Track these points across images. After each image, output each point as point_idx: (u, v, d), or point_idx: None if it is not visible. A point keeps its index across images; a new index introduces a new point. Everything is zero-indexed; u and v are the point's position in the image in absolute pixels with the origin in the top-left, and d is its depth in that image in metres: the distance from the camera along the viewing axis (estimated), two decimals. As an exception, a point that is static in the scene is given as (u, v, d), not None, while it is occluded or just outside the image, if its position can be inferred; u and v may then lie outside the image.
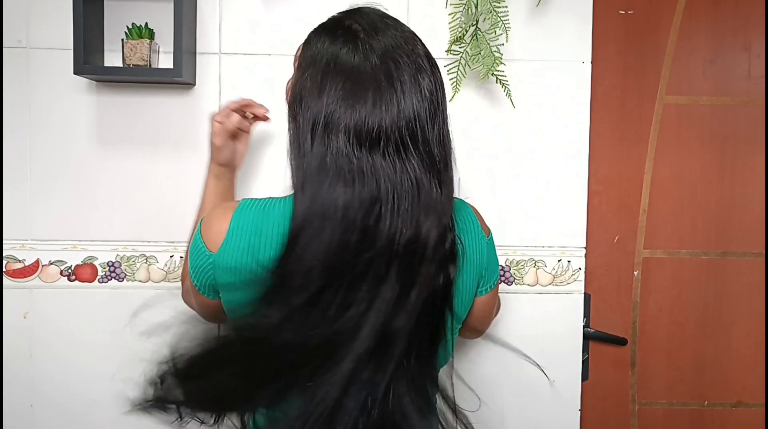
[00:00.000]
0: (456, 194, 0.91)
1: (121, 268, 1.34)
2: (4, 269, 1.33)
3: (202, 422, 0.83)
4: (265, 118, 1.16)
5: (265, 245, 0.83)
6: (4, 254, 1.33)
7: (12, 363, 1.33)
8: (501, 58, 1.25)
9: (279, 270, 0.80)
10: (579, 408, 1.40)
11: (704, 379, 1.46)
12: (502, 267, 1.38)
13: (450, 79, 1.29)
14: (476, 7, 1.22)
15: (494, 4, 1.22)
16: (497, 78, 1.27)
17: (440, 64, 1.30)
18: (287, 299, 0.78)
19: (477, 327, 1.04)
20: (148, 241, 1.34)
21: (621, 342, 1.44)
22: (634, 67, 1.41)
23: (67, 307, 1.34)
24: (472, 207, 0.97)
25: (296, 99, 0.82)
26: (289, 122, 0.84)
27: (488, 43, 1.25)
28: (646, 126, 1.42)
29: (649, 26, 1.41)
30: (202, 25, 1.32)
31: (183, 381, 0.82)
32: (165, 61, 1.29)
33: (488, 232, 0.97)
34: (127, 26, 1.25)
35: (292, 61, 0.91)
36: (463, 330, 1.02)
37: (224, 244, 0.85)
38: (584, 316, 1.41)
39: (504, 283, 1.38)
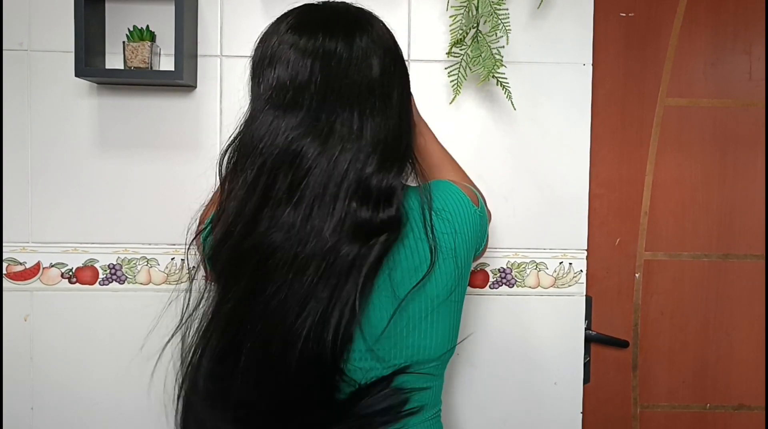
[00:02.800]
0: None
1: (122, 270, 1.34)
2: (4, 271, 1.33)
3: None
4: None
5: None
6: (4, 256, 1.33)
7: (12, 366, 1.33)
8: (501, 61, 1.25)
9: None
10: (581, 411, 1.40)
11: (706, 382, 1.45)
12: (503, 269, 1.38)
13: (451, 82, 1.29)
14: (477, 10, 1.22)
15: (495, 6, 1.22)
16: (498, 80, 1.27)
17: (441, 66, 1.31)
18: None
19: None
20: (149, 244, 1.34)
21: (623, 345, 1.43)
22: (634, 70, 1.41)
23: (67, 310, 1.33)
24: (455, 182, 0.97)
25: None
26: None
27: (489, 46, 1.25)
28: (647, 128, 1.42)
29: (649, 29, 1.41)
30: (203, 27, 1.32)
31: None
32: (166, 63, 1.29)
33: (477, 201, 0.96)
34: (129, 29, 1.25)
35: None
36: None
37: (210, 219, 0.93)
38: (586, 319, 1.41)
39: (505, 285, 1.38)
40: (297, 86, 0.83)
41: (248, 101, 0.90)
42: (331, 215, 0.81)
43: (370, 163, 0.83)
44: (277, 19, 0.91)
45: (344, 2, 0.93)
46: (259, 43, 0.90)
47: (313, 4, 0.92)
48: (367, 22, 0.90)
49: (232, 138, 0.88)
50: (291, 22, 0.88)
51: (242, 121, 0.88)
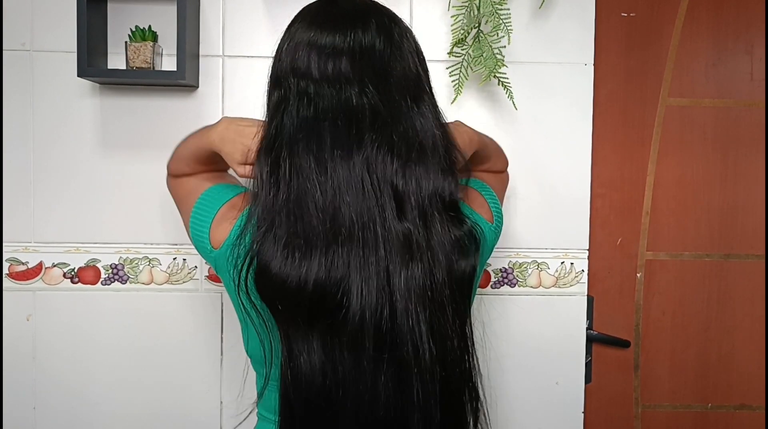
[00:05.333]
0: None
1: (124, 270, 1.34)
2: (7, 271, 1.33)
3: None
4: None
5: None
6: (7, 256, 1.33)
7: (15, 365, 1.33)
8: (503, 61, 1.25)
9: None
10: (582, 411, 1.40)
11: (708, 382, 1.45)
12: (505, 269, 1.38)
13: (452, 81, 1.29)
14: (478, 10, 1.23)
15: (496, 6, 1.22)
16: (499, 80, 1.28)
17: (442, 66, 1.31)
18: None
19: None
20: (151, 244, 1.34)
21: (624, 344, 1.43)
22: (636, 70, 1.41)
23: (70, 310, 1.34)
24: (473, 200, 0.95)
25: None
26: None
27: (490, 46, 1.25)
28: (648, 128, 1.42)
29: (651, 29, 1.41)
30: (205, 27, 1.32)
31: None
32: (168, 63, 1.29)
33: (492, 216, 0.95)
34: (131, 29, 1.25)
35: None
36: None
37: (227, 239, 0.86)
38: (587, 319, 1.41)
39: (507, 285, 1.38)
40: (347, 102, 0.79)
41: (277, 109, 0.83)
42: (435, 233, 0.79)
43: (436, 173, 0.81)
44: (300, 19, 0.85)
45: None
46: (288, 46, 0.84)
47: (328, 1, 0.86)
48: (390, 12, 0.87)
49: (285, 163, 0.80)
50: (315, 19, 0.83)
51: (281, 137, 0.81)
